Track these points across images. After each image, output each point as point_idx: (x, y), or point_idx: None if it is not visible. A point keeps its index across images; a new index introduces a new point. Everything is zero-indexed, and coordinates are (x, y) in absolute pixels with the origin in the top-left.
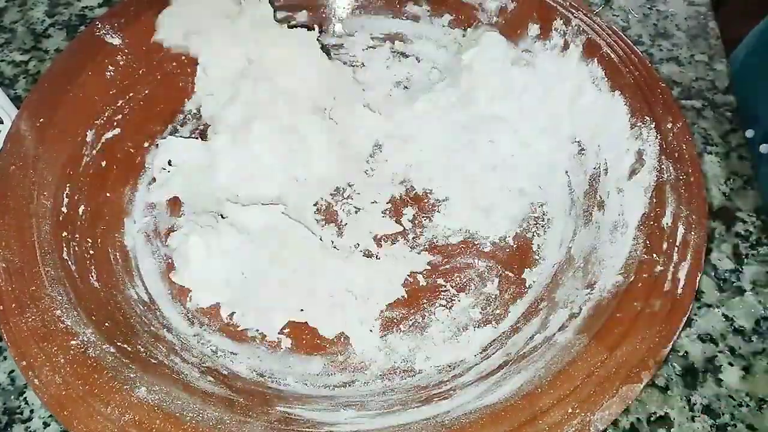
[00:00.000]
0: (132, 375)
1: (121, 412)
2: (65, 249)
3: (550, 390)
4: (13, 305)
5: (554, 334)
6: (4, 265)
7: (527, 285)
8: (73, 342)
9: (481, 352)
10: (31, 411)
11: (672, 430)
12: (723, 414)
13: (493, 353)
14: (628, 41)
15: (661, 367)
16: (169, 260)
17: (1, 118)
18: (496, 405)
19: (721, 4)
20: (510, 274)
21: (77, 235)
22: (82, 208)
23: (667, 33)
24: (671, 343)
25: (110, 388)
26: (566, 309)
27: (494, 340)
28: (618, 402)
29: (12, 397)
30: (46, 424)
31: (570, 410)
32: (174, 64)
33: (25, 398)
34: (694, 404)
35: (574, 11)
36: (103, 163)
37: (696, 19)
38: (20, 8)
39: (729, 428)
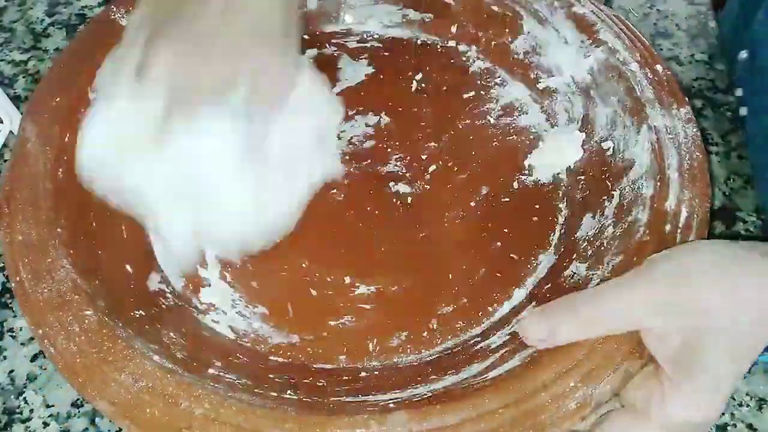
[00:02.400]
0: (144, 343)
1: (135, 379)
2: (79, 223)
3: (552, 364)
4: (29, 276)
5: None
6: (20, 237)
7: (533, 266)
8: (88, 312)
9: (484, 331)
10: (31, 411)
11: None
12: (723, 413)
13: (497, 331)
14: (635, 30)
15: None
16: None
17: (1, 118)
18: (499, 377)
19: (721, 3)
20: (514, 257)
21: (92, 212)
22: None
23: (668, 32)
24: None
25: (124, 356)
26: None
27: (498, 319)
28: (620, 377)
29: (12, 396)
30: (45, 424)
31: (572, 383)
32: None
33: (25, 398)
34: None
35: (581, 1)
36: None
37: (696, 19)
38: (20, 7)
39: (729, 428)
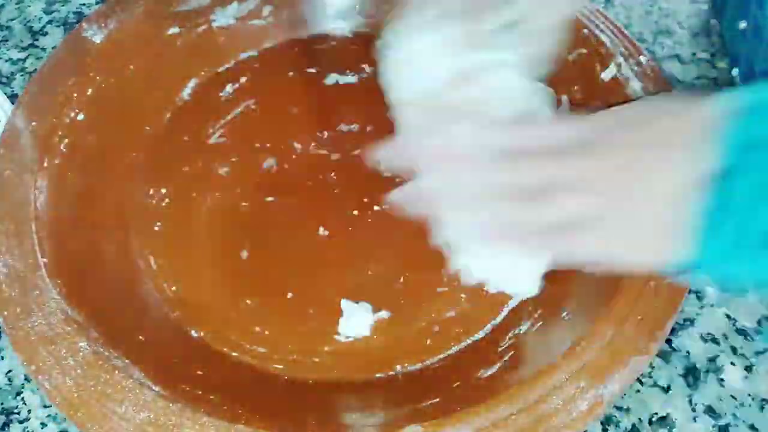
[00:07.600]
0: (142, 373)
1: (136, 410)
2: (64, 251)
3: (562, 365)
4: (18, 310)
5: (563, 312)
6: (5, 270)
7: None
8: (81, 343)
9: (487, 335)
10: (29, 411)
11: (674, 430)
12: (725, 414)
13: (501, 335)
14: (615, 22)
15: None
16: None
17: None
18: (510, 383)
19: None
20: None
21: (76, 239)
22: (81, 212)
23: (669, 30)
24: (675, 315)
25: (123, 387)
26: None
27: (500, 322)
28: (628, 374)
29: (9, 397)
30: (43, 425)
31: (583, 384)
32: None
33: (23, 398)
34: (696, 404)
35: None
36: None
37: (698, 17)
38: (17, 5)
39: (731, 428)
